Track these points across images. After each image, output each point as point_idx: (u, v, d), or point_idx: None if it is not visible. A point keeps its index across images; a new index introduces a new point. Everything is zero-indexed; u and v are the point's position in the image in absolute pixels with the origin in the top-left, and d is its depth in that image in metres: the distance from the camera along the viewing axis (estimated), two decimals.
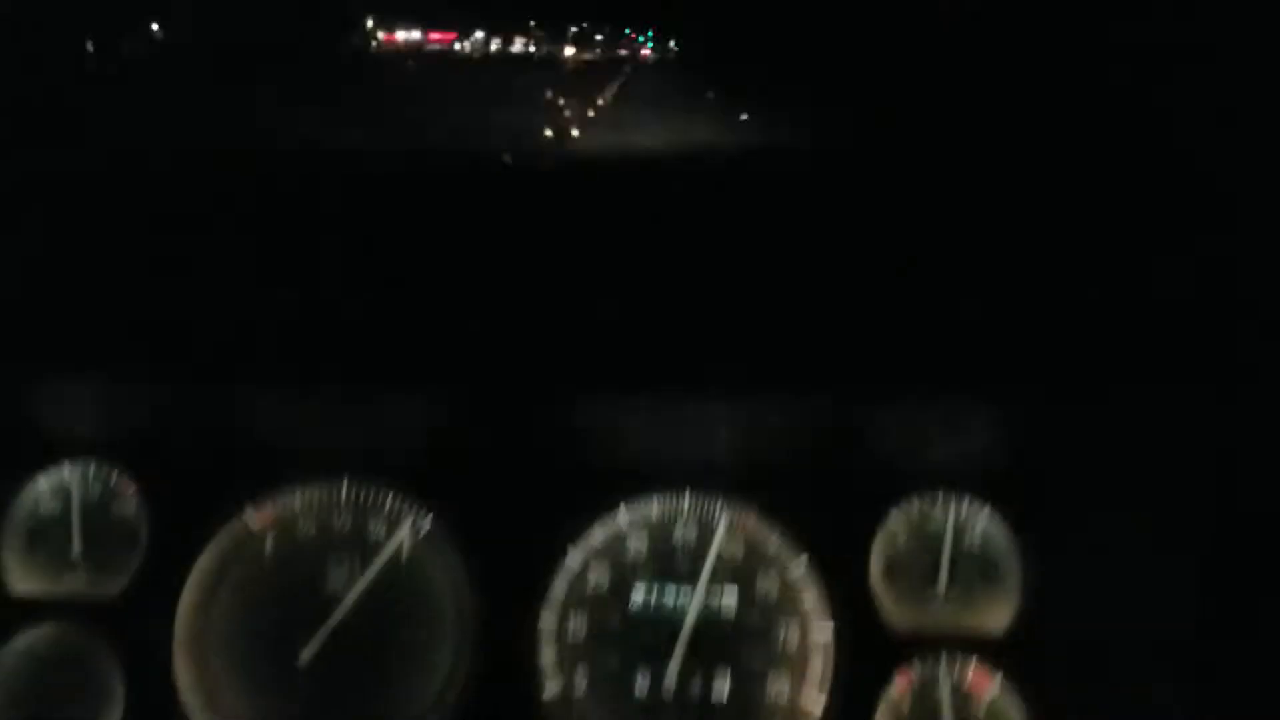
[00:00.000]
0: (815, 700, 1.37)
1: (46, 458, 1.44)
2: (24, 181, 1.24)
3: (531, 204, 1.19)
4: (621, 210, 1.19)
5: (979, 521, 1.42)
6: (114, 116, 1.17)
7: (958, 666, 1.37)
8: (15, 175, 1.23)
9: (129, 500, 1.43)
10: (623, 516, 1.44)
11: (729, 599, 1.41)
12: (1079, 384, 1.27)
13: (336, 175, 1.17)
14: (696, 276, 1.22)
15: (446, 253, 1.23)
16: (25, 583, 1.42)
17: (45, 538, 1.43)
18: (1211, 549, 1.30)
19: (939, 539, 1.41)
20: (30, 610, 1.39)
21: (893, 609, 1.39)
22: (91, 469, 1.44)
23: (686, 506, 1.45)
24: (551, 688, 1.38)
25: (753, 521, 1.43)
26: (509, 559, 1.40)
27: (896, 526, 1.42)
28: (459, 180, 1.18)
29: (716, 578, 1.41)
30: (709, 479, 1.44)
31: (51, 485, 1.44)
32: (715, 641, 1.40)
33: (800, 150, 1.17)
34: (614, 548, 1.44)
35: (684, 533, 1.44)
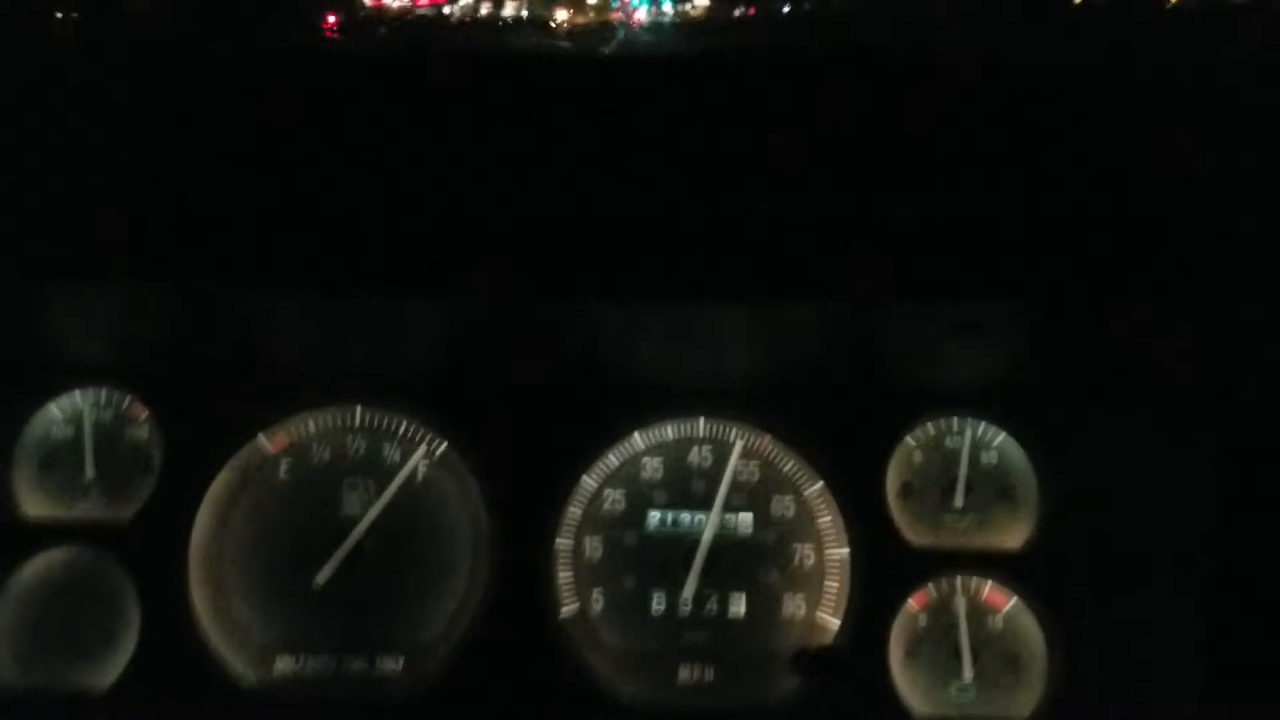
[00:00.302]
0: (833, 615, 1.37)
1: (58, 383, 1.44)
2: (31, 88, 1.22)
3: (544, 112, 1.18)
4: (634, 117, 1.18)
5: (994, 441, 1.42)
6: (126, 15, 1.16)
7: (973, 584, 1.38)
8: (22, 80, 1.21)
9: (141, 425, 1.43)
10: (638, 440, 1.44)
11: (745, 520, 1.41)
12: (1093, 303, 1.27)
13: (346, 77, 1.16)
14: (712, 186, 1.21)
15: (463, 162, 1.22)
16: (38, 508, 1.41)
17: (58, 463, 1.42)
18: (1226, 466, 1.30)
19: (955, 459, 1.41)
20: (44, 534, 1.39)
21: (909, 528, 1.39)
22: (104, 394, 1.44)
23: (701, 430, 1.45)
24: (568, 607, 1.38)
25: (768, 444, 1.43)
26: (524, 482, 1.40)
27: (912, 447, 1.42)
28: (471, 85, 1.16)
29: (732, 500, 1.42)
30: (723, 404, 1.45)
31: (63, 411, 1.43)
32: (731, 561, 1.40)
33: (818, 50, 1.17)
34: (629, 471, 1.44)
35: (699, 456, 1.45)
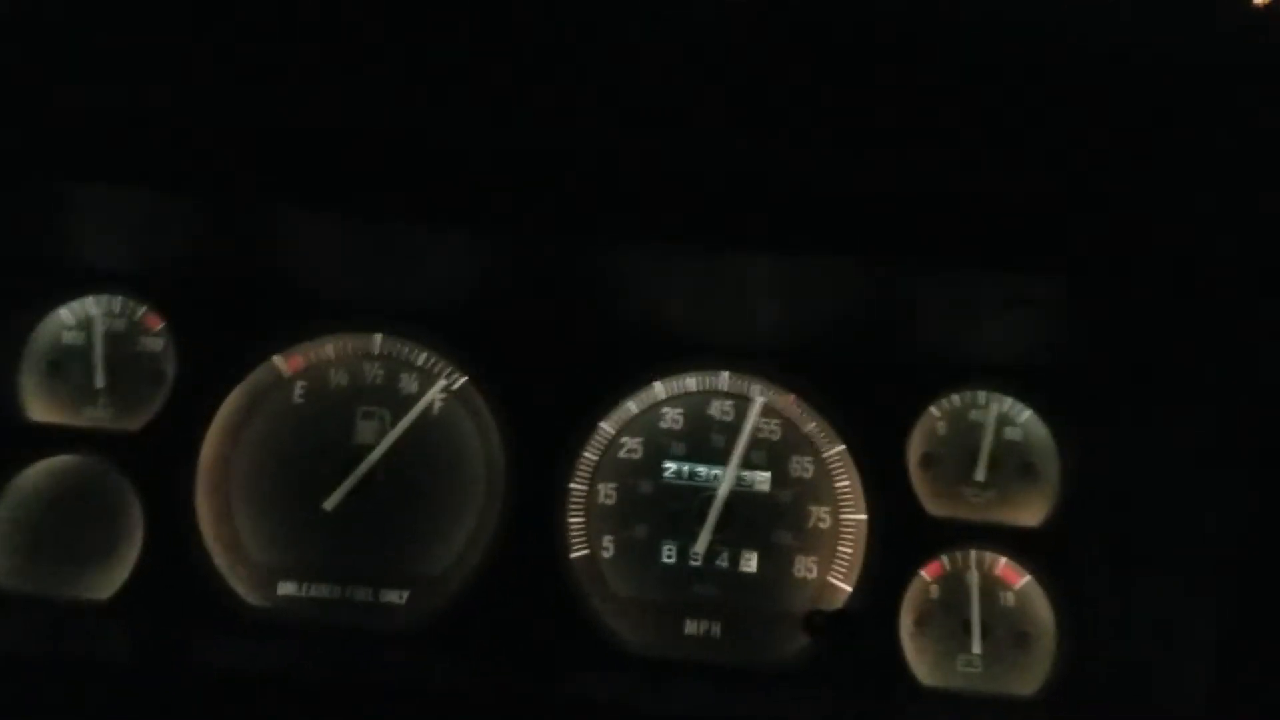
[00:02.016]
0: (844, 579, 1.36)
1: (70, 287, 1.40)
2: None
3: (580, 35, 1.14)
4: (670, 47, 1.14)
5: (1020, 418, 1.40)
6: None
7: (988, 558, 1.37)
8: None
9: (156, 336, 1.40)
10: (658, 389, 1.42)
11: (762, 478, 1.40)
12: (1132, 290, 1.24)
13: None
14: (751, 131, 1.17)
15: (504, 97, 1.18)
16: (44, 413, 1.38)
17: (66, 369, 1.39)
18: (1254, 463, 1.28)
19: (979, 433, 1.40)
20: (49, 439, 1.36)
21: (928, 498, 1.37)
22: (118, 302, 1.40)
23: (724, 384, 1.43)
24: (577, 552, 1.37)
25: (791, 403, 1.41)
26: (541, 423, 1.38)
27: (936, 418, 1.41)
28: (509, 21, 1.12)
29: (751, 457, 1.40)
30: (748, 359, 1.42)
31: (74, 315, 1.40)
32: (746, 518, 1.38)
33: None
34: (648, 420, 1.42)
35: (720, 410, 1.43)
